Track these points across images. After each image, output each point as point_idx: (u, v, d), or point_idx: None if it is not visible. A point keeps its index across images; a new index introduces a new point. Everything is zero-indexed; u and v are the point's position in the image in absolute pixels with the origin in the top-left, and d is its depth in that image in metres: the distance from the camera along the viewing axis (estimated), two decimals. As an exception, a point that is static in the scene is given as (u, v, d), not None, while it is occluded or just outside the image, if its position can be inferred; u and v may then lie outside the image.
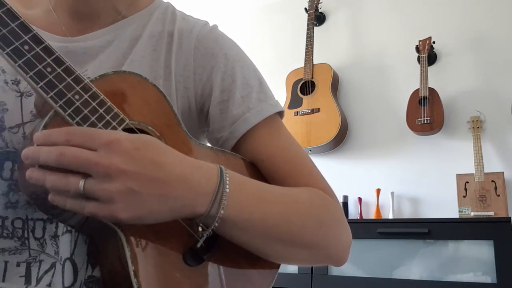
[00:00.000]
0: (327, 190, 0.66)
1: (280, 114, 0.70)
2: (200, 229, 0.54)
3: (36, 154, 0.46)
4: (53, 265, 0.55)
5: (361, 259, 2.12)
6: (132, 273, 0.49)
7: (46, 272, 0.55)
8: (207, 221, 0.53)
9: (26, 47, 0.49)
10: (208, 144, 0.70)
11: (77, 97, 0.50)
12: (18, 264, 0.54)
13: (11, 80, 0.60)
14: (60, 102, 0.49)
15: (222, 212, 0.52)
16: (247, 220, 0.54)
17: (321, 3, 2.94)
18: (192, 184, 0.50)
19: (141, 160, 0.47)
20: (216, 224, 0.52)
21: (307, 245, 0.60)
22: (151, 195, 0.47)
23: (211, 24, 0.73)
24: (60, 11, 0.68)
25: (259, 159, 0.65)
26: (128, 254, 0.49)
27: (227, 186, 0.53)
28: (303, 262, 0.65)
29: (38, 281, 0.54)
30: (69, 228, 0.56)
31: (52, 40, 0.63)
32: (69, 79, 0.50)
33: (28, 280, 0.54)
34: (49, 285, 0.54)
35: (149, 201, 0.47)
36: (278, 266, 0.63)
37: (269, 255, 0.61)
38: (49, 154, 0.46)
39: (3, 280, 0.53)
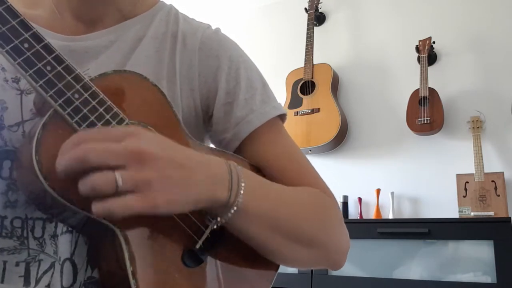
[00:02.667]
0: (328, 192, 0.67)
1: (282, 117, 0.70)
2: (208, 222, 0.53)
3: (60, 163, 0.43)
4: (52, 265, 0.55)
5: (361, 259, 2.11)
6: (130, 274, 0.49)
7: (45, 272, 0.54)
8: (222, 211, 0.53)
9: (26, 45, 0.48)
10: (211, 145, 0.70)
11: (76, 96, 0.50)
12: (17, 264, 0.54)
13: (11, 78, 0.59)
14: (60, 101, 0.49)
15: (240, 200, 0.52)
16: (258, 210, 0.55)
17: (321, 3, 2.94)
18: (210, 172, 0.51)
19: (168, 147, 0.48)
20: (232, 211, 0.52)
21: (309, 242, 0.60)
22: (181, 179, 0.47)
23: (213, 27, 0.73)
24: (63, 13, 0.68)
25: (264, 160, 0.66)
26: (126, 255, 0.49)
27: (242, 176, 0.54)
28: (303, 262, 0.64)
29: (37, 281, 0.54)
30: (69, 228, 0.56)
31: (54, 39, 0.63)
32: (69, 78, 0.50)
33: (27, 281, 0.53)
34: (48, 285, 0.54)
35: (180, 185, 0.47)
36: (277, 268, 0.63)
37: (271, 252, 0.60)
38: (70, 156, 0.43)
39: (2, 281, 0.53)
